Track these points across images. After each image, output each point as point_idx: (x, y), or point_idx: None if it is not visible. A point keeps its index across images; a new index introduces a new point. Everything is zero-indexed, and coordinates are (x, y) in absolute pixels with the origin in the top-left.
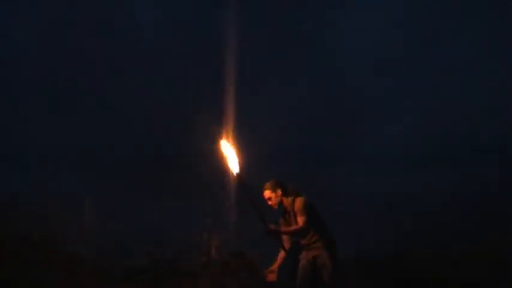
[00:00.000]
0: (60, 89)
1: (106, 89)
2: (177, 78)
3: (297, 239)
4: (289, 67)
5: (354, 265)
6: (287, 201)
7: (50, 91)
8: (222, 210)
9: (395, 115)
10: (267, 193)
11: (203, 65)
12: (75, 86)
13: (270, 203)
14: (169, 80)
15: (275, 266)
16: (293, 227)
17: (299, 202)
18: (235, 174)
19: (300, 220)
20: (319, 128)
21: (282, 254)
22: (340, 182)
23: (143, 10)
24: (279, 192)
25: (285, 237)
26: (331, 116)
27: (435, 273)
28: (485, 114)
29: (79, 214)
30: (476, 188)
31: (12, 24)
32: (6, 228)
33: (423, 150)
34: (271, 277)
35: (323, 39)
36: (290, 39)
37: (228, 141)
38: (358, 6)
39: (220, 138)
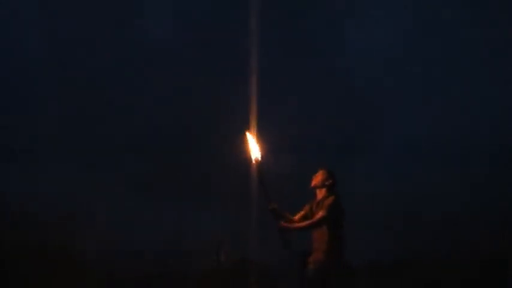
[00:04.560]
0: (74, 93)
1: (119, 92)
2: (194, 82)
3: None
4: (308, 62)
5: (366, 272)
6: (324, 195)
7: (63, 94)
8: (234, 217)
9: (408, 116)
10: (322, 173)
11: (222, 65)
12: (89, 89)
13: (314, 180)
14: (184, 84)
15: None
16: (306, 222)
17: (330, 199)
18: (254, 161)
19: (319, 214)
20: (329, 129)
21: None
22: (350, 184)
23: (162, 19)
24: (330, 182)
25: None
26: (343, 116)
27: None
28: (504, 115)
29: (90, 220)
30: (495, 193)
31: (24, 26)
32: (18, 235)
33: (441, 150)
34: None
35: (342, 35)
36: (309, 37)
37: (251, 132)
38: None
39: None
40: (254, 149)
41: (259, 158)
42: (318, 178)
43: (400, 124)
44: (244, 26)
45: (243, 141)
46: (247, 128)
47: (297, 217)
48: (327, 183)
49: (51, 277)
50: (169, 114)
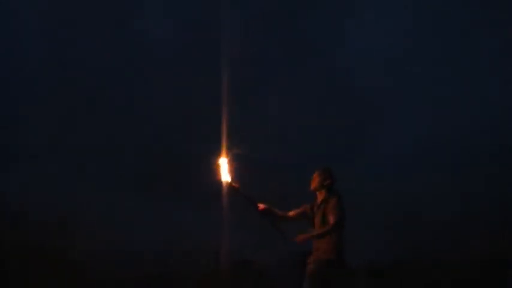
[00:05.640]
0: (74, 93)
1: (119, 92)
2: (184, 86)
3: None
4: (308, 62)
5: (366, 272)
6: (325, 196)
7: (63, 94)
8: (232, 219)
9: (408, 116)
10: (319, 174)
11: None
12: (89, 89)
13: (312, 182)
14: (176, 85)
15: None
16: (323, 229)
17: (334, 201)
18: (224, 184)
19: (332, 219)
20: (330, 128)
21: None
22: (349, 184)
23: (162, 19)
24: (328, 182)
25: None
26: (343, 116)
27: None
28: (504, 115)
29: (89, 220)
30: (495, 193)
31: (24, 26)
32: (18, 235)
33: (441, 150)
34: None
35: (342, 35)
36: (301, 41)
37: (226, 151)
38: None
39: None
40: (224, 173)
41: (230, 181)
42: (315, 180)
43: (400, 124)
44: (244, 26)
45: (216, 166)
46: (219, 154)
47: (292, 213)
48: (325, 183)
49: (51, 277)
50: (169, 114)
